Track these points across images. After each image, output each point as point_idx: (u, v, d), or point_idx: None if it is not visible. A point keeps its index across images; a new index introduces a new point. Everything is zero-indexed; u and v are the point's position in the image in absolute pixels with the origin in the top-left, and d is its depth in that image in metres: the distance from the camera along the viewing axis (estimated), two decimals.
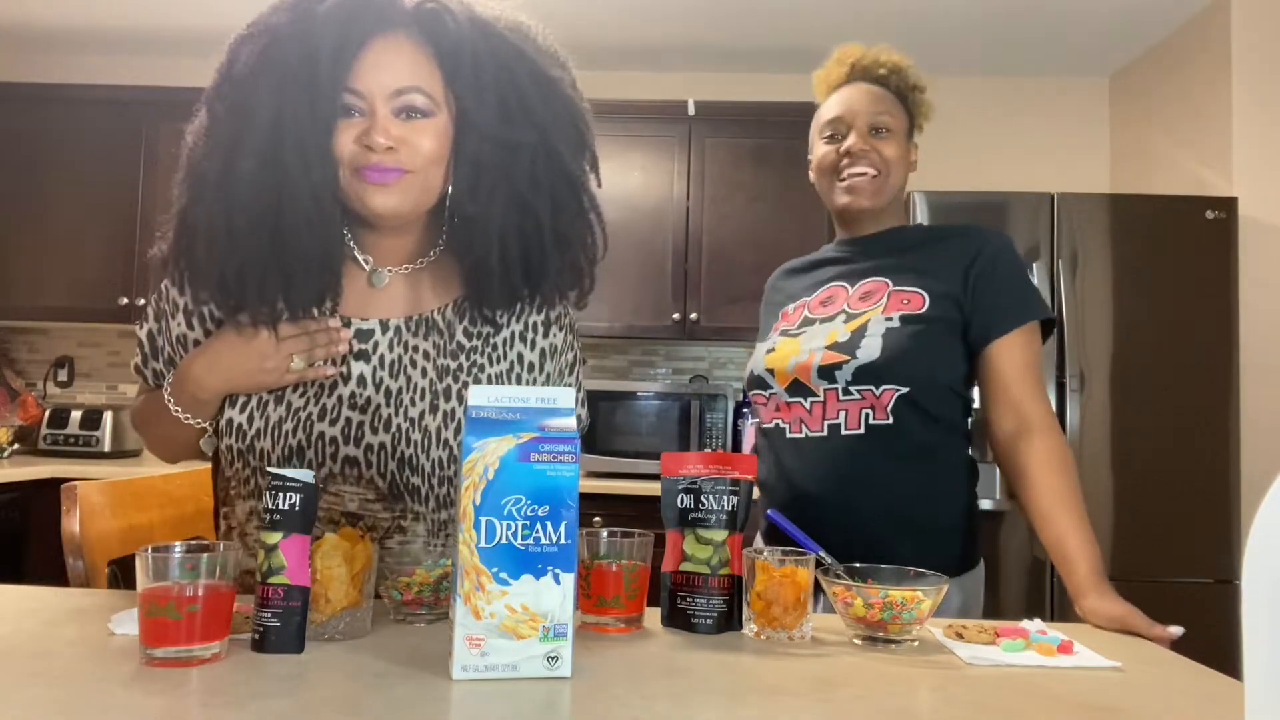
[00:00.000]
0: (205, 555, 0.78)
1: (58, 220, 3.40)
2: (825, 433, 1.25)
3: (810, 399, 1.27)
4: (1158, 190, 3.22)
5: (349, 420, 1.04)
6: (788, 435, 1.29)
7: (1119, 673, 0.84)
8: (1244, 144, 2.93)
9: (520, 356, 1.13)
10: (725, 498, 0.97)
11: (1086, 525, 1.14)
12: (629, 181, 3.35)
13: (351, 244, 1.09)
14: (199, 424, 1.06)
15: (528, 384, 1.13)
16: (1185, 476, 2.75)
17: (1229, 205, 2.80)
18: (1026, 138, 3.70)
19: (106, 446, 3.35)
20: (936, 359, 1.25)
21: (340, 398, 1.05)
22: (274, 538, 0.81)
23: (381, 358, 1.07)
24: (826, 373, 1.25)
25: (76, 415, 3.40)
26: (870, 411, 1.24)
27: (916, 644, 0.91)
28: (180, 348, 1.08)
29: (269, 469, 0.82)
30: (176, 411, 1.05)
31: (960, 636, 0.94)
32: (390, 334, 1.08)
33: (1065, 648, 0.89)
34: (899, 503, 1.23)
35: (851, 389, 1.24)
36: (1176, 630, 0.99)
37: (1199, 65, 3.13)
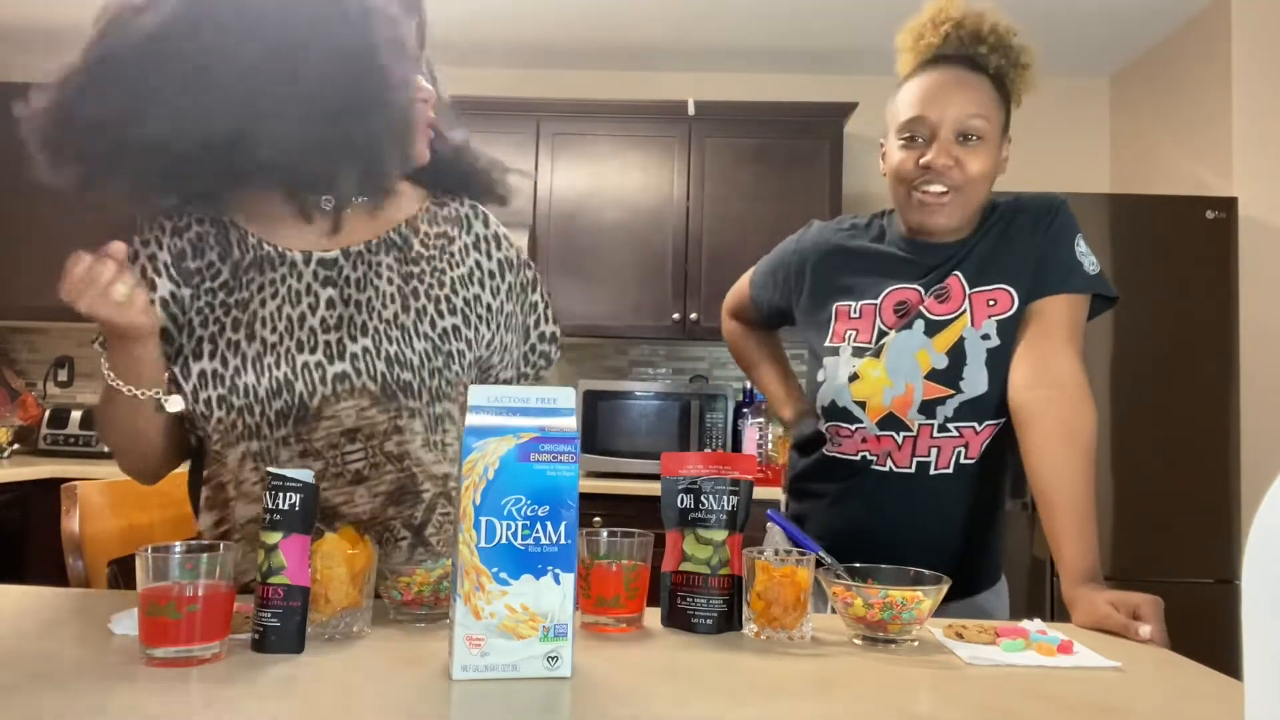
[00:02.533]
0: (205, 555, 0.78)
1: (58, 220, 3.39)
2: (913, 469, 1.19)
3: (903, 433, 1.19)
4: (1158, 190, 3.22)
5: (327, 342, 1.07)
6: (873, 468, 1.22)
7: (1119, 673, 0.84)
8: (1244, 144, 2.93)
9: (479, 264, 1.19)
10: (725, 498, 0.97)
11: (1081, 519, 1.08)
12: (629, 181, 3.35)
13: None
14: (145, 394, 1.01)
15: (492, 290, 1.18)
16: (1185, 476, 2.75)
17: (1229, 205, 2.80)
18: (1026, 138, 3.68)
19: (106, 446, 3.35)
20: None
21: (313, 328, 1.07)
22: (274, 538, 0.81)
23: (346, 278, 1.11)
24: (928, 408, 1.17)
25: (76, 415, 3.40)
26: (963, 450, 1.18)
27: (916, 644, 0.91)
28: None
29: (269, 469, 0.82)
30: (116, 384, 1.01)
31: (960, 636, 0.94)
32: (353, 258, 1.12)
33: (1065, 648, 0.89)
34: (966, 539, 1.21)
35: (950, 425, 1.17)
36: (1145, 631, 0.96)
37: (1199, 65, 3.13)
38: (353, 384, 1.06)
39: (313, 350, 1.06)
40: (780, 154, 3.36)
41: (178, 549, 0.79)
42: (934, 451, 1.19)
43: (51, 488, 2.78)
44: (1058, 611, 2.77)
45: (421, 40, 1.14)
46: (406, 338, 1.08)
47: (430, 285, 1.13)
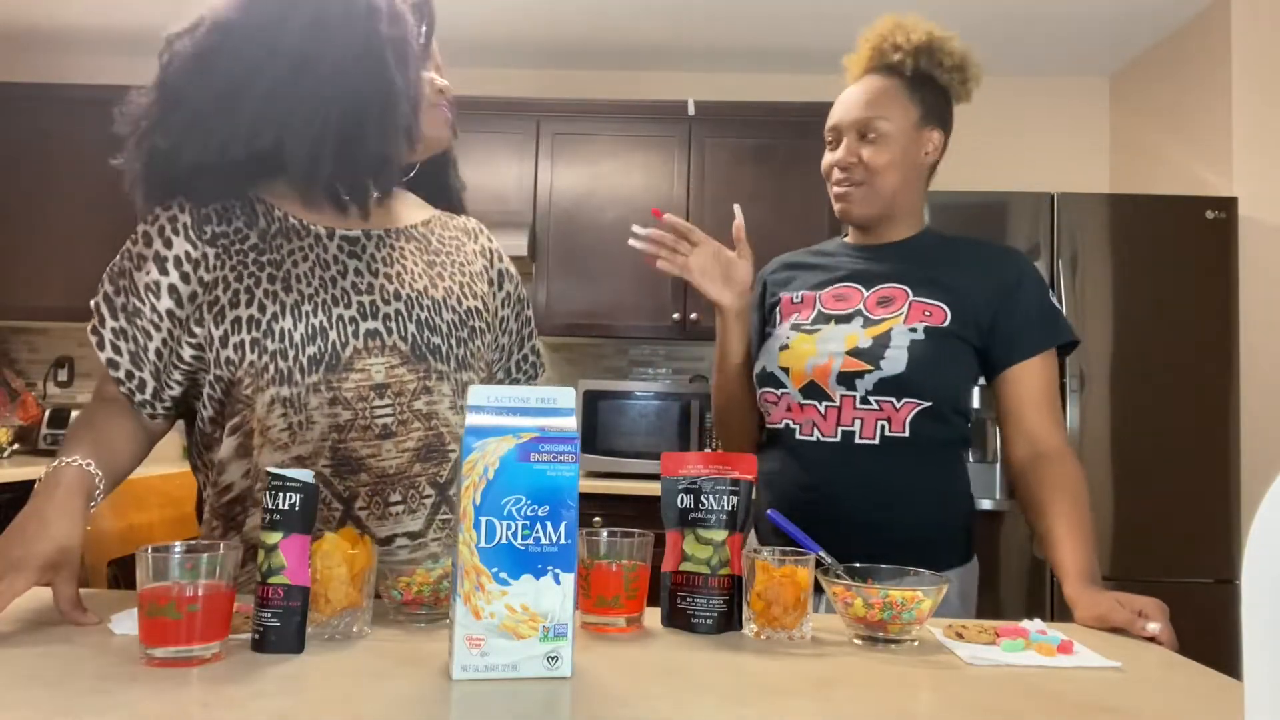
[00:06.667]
0: (205, 555, 0.78)
1: (58, 220, 3.40)
2: (839, 439, 1.25)
3: (825, 403, 1.25)
4: (1158, 190, 3.22)
5: (360, 302, 1.11)
6: (797, 437, 1.28)
7: (1119, 673, 0.84)
8: (1244, 144, 2.93)
9: (485, 269, 1.28)
10: (725, 498, 0.97)
11: (1080, 536, 1.14)
12: (629, 181, 3.35)
13: None
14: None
15: (492, 294, 1.27)
16: (1185, 476, 2.75)
17: (1229, 205, 2.80)
18: (1026, 138, 3.70)
19: None
20: (957, 375, 1.26)
21: (345, 289, 1.12)
22: (274, 538, 0.81)
23: (372, 255, 1.16)
24: (846, 379, 1.24)
25: (76, 415, 3.40)
26: (886, 424, 1.23)
27: (916, 644, 0.91)
28: (151, 295, 1.10)
29: (269, 469, 0.82)
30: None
31: (960, 636, 0.94)
32: (374, 240, 1.17)
33: (1065, 648, 0.89)
34: (906, 514, 1.23)
35: (870, 399, 1.23)
36: (1154, 627, 0.98)
37: (1199, 65, 3.13)
38: (384, 341, 1.10)
39: (347, 306, 1.11)
40: (780, 154, 3.36)
41: (178, 549, 0.79)
42: (857, 422, 1.24)
43: None
44: (1058, 611, 2.77)
45: (428, 40, 1.19)
46: (436, 307, 1.15)
47: (453, 271, 1.21)
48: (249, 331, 1.07)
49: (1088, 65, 3.62)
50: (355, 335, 1.09)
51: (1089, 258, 2.81)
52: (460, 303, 1.18)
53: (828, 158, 1.34)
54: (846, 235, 1.43)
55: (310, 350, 1.07)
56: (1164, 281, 2.79)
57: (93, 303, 1.15)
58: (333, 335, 1.08)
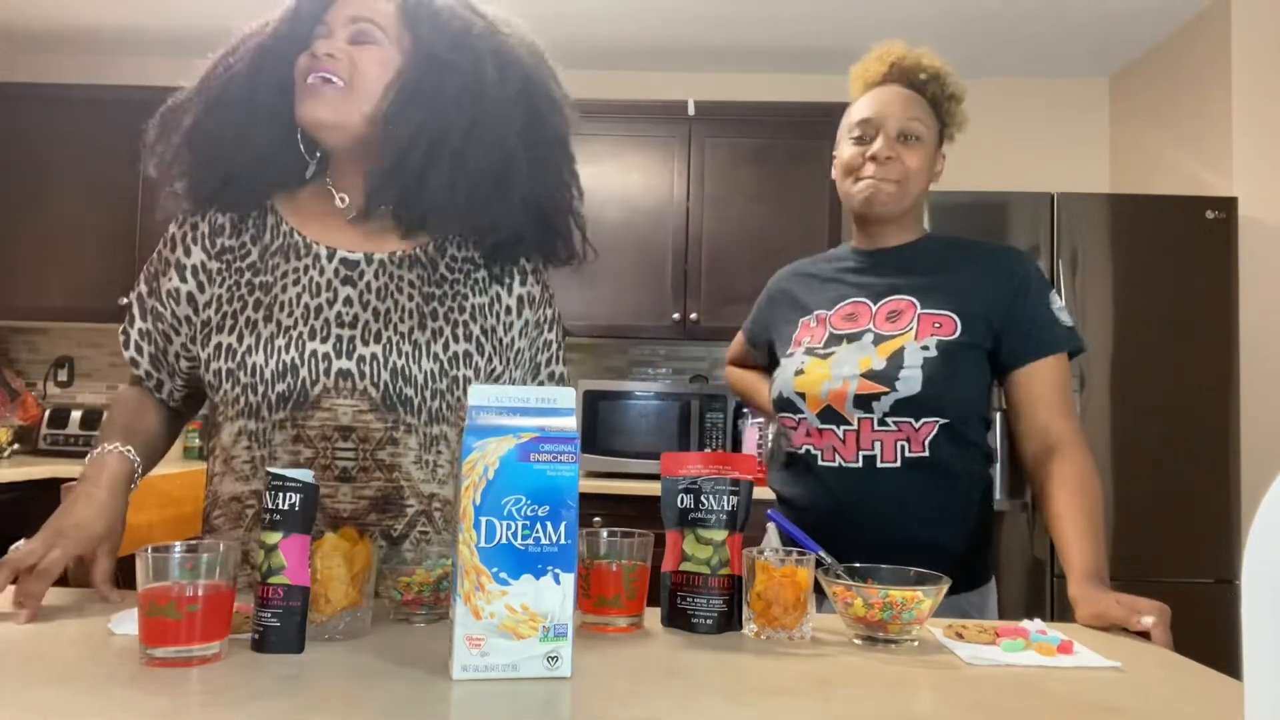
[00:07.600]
0: (205, 555, 0.78)
1: (58, 220, 3.40)
2: (860, 464, 1.24)
3: (843, 427, 1.25)
4: (1158, 190, 3.22)
5: (339, 337, 1.09)
6: (820, 463, 1.27)
7: (1119, 673, 0.84)
8: (1244, 144, 2.93)
9: (499, 297, 1.20)
10: (725, 498, 0.97)
11: (1088, 531, 1.13)
12: (629, 181, 3.34)
13: (328, 181, 1.18)
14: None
15: (505, 325, 1.19)
16: (1185, 476, 2.75)
17: (1229, 205, 2.80)
18: (1026, 138, 3.70)
19: None
20: (972, 388, 1.26)
21: (328, 320, 1.10)
22: (274, 538, 0.81)
23: (368, 284, 1.14)
24: (863, 402, 1.23)
25: (76, 415, 3.40)
26: (906, 444, 1.23)
27: (916, 644, 0.91)
28: (172, 301, 1.15)
29: (269, 469, 0.83)
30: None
31: (960, 636, 0.94)
32: (375, 265, 1.15)
33: (1065, 648, 0.89)
34: (931, 534, 1.24)
35: (888, 420, 1.23)
36: (1147, 620, 0.98)
37: (1199, 65, 3.13)
38: (355, 384, 1.08)
39: (323, 340, 1.09)
40: (780, 154, 3.36)
41: (178, 549, 0.79)
42: (877, 445, 1.24)
43: (51, 488, 2.78)
44: (1058, 611, 2.77)
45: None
46: (416, 354, 1.10)
47: (450, 309, 1.15)
48: (225, 361, 1.08)
49: (1088, 65, 3.62)
50: (327, 373, 1.07)
51: (1089, 258, 2.81)
52: (447, 347, 1.11)
53: (855, 149, 1.31)
54: (852, 240, 1.42)
55: (280, 388, 1.07)
56: (1164, 281, 2.79)
57: (131, 297, 1.20)
58: (303, 373, 1.07)
